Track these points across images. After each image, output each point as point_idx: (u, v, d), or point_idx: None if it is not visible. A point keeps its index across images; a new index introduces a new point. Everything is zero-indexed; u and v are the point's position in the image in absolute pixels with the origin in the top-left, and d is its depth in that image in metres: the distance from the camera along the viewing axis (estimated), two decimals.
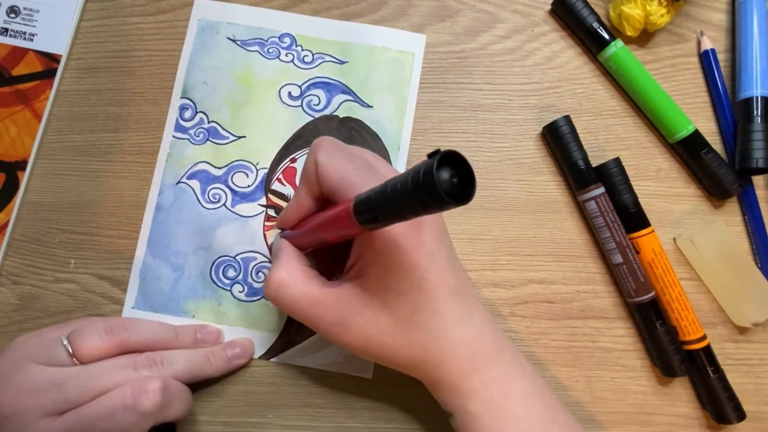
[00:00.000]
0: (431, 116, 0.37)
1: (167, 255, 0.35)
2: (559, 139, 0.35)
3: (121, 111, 0.37)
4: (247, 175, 0.36)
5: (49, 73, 0.36)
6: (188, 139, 0.36)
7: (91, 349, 0.28)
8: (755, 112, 0.34)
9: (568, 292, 0.35)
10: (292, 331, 0.34)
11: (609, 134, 0.37)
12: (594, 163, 0.35)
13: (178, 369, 0.30)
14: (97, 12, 0.38)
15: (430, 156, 0.18)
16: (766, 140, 0.34)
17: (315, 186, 0.27)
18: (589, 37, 0.36)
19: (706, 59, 0.37)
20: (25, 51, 0.36)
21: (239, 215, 0.35)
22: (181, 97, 0.36)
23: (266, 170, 0.36)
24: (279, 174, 0.36)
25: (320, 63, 0.37)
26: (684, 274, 0.36)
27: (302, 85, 0.36)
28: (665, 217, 0.36)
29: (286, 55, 0.37)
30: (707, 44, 0.37)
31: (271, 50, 0.37)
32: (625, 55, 0.36)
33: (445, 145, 0.36)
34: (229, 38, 0.37)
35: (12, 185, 0.35)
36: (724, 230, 0.35)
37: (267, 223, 0.35)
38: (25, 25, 0.36)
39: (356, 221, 0.21)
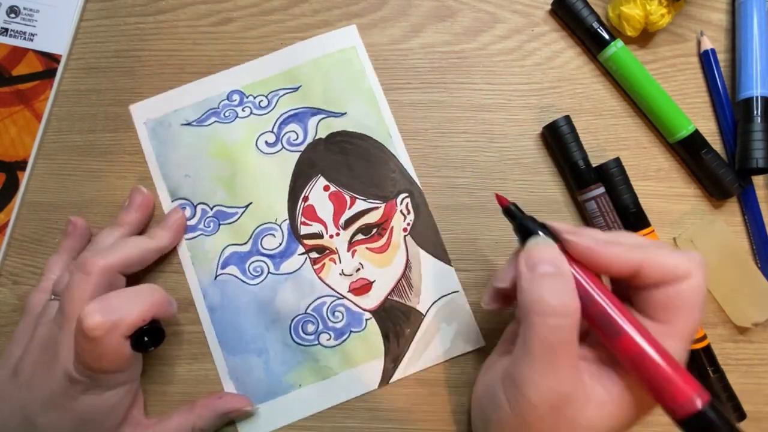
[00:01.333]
0: (431, 116, 0.37)
1: (245, 346, 0.34)
2: (559, 139, 0.35)
3: (121, 111, 0.37)
4: (273, 235, 0.35)
5: (49, 73, 0.36)
6: (201, 234, 0.35)
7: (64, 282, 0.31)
8: (755, 112, 0.34)
9: None
10: (393, 346, 0.34)
11: (609, 134, 0.37)
12: (594, 163, 0.35)
13: (123, 250, 0.31)
14: (97, 12, 0.38)
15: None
16: (766, 140, 0.34)
17: (656, 281, 0.24)
18: (589, 37, 0.36)
19: (706, 59, 0.37)
20: (25, 51, 0.36)
21: (287, 273, 0.34)
22: (174, 200, 0.35)
23: (287, 221, 0.35)
24: (301, 218, 0.35)
25: (277, 100, 0.36)
26: None
27: (273, 128, 0.36)
28: (665, 217, 0.36)
29: (243, 110, 0.36)
30: (707, 44, 0.37)
31: (227, 114, 0.36)
32: (625, 55, 0.36)
33: (444, 145, 0.36)
34: (183, 124, 0.36)
35: (12, 185, 0.35)
36: (724, 230, 0.35)
37: (316, 267, 0.35)
38: (25, 25, 0.36)
39: (680, 421, 0.21)
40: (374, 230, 0.35)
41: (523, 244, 0.26)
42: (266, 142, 0.36)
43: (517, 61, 0.37)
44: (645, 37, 0.37)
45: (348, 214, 0.35)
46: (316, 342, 0.34)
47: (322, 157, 0.36)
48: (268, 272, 0.35)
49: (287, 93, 0.36)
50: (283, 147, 0.36)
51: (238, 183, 0.35)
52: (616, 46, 0.35)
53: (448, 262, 0.35)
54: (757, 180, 0.36)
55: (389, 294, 0.34)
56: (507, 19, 0.38)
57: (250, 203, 0.35)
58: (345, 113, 0.36)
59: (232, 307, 0.34)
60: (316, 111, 0.36)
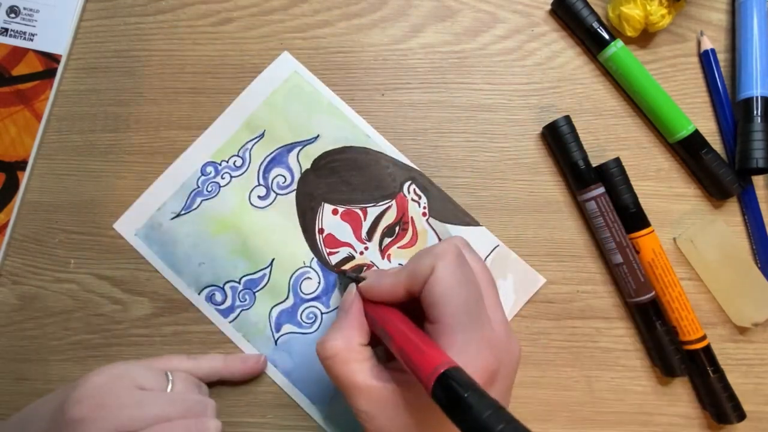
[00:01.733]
0: (431, 116, 0.37)
1: (333, 390, 0.34)
2: (559, 139, 0.35)
3: (121, 111, 0.37)
4: (310, 278, 0.35)
5: (49, 73, 0.36)
6: (241, 310, 0.35)
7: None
8: (755, 112, 0.34)
9: (568, 292, 0.35)
10: None
11: (609, 134, 0.37)
12: (594, 163, 0.35)
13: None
14: (97, 12, 0.38)
15: None
16: (766, 140, 0.34)
17: (418, 287, 0.26)
18: (589, 37, 0.36)
19: (706, 59, 0.37)
20: (25, 51, 0.36)
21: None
22: (199, 292, 0.35)
23: (315, 259, 0.35)
24: (325, 250, 0.35)
25: (249, 153, 0.36)
26: (684, 274, 0.36)
27: (259, 181, 0.36)
28: (665, 217, 0.36)
29: (222, 177, 0.36)
30: (707, 44, 0.37)
31: (210, 188, 0.36)
32: (625, 55, 0.36)
33: (444, 145, 0.36)
34: (173, 218, 0.35)
35: (12, 185, 0.35)
36: (724, 230, 0.35)
37: (360, 277, 0.34)
38: (25, 25, 0.36)
39: (429, 388, 0.21)
40: (397, 228, 0.35)
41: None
42: (258, 196, 0.36)
43: (517, 61, 0.37)
44: (645, 37, 0.37)
45: (366, 225, 0.35)
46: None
47: (317, 186, 0.36)
48: (321, 314, 0.35)
49: (255, 142, 0.36)
50: (276, 193, 0.36)
51: (251, 247, 0.35)
52: (616, 46, 0.35)
53: (476, 223, 0.35)
54: (757, 180, 0.36)
55: None
56: (507, 19, 0.38)
57: (273, 259, 0.35)
58: (318, 136, 0.36)
59: (304, 366, 0.34)
60: (290, 146, 0.36)
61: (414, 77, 0.37)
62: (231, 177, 0.36)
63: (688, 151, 0.35)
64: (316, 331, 0.34)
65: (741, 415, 0.33)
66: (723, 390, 0.33)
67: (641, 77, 0.35)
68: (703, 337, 0.34)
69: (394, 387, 0.25)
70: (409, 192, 0.36)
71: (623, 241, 0.34)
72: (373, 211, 0.35)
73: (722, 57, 0.37)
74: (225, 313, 0.35)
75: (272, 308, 0.35)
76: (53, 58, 0.36)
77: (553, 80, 0.37)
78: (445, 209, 0.35)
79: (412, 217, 0.35)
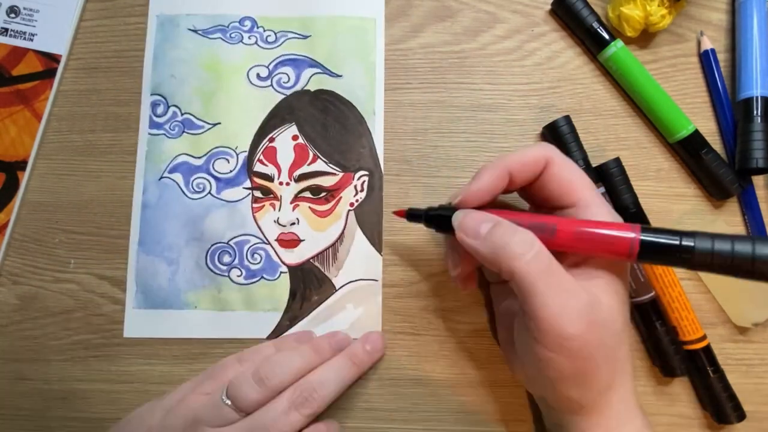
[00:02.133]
0: (431, 116, 0.37)
1: (160, 250, 0.35)
2: (559, 139, 0.35)
3: (121, 111, 0.37)
4: (227, 160, 0.36)
5: (49, 73, 0.36)
6: (164, 134, 0.36)
7: (252, 403, 0.29)
8: (755, 112, 0.34)
9: None
10: (296, 306, 0.35)
11: (609, 134, 0.37)
12: (594, 163, 0.35)
13: (331, 389, 0.30)
14: (97, 12, 0.38)
15: None
16: (766, 140, 0.34)
17: (527, 177, 0.28)
18: (589, 37, 0.36)
19: (706, 59, 0.37)
20: (25, 51, 0.36)
21: (226, 201, 0.35)
22: (152, 94, 0.36)
23: (246, 153, 0.36)
24: (259, 155, 0.36)
25: (284, 41, 0.37)
26: (684, 274, 0.36)
27: (269, 65, 0.37)
28: (665, 217, 0.36)
29: (249, 37, 0.37)
30: (707, 44, 0.37)
31: (233, 35, 0.37)
32: (625, 55, 0.36)
33: (444, 145, 0.36)
34: (190, 29, 0.37)
35: (12, 185, 0.35)
36: (724, 230, 0.35)
37: (255, 205, 0.35)
38: (25, 25, 0.36)
39: (635, 249, 0.23)
40: (323, 193, 0.35)
41: (441, 230, 0.29)
42: (258, 74, 0.36)
43: (517, 61, 0.37)
44: (645, 37, 0.37)
45: (305, 169, 0.36)
46: (226, 274, 0.35)
47: (303, 108, 0.36)
48: (209, 192, 0.35)
49: (295, 38, 0.37)
50: (272, 85, 0.36)
51: (215, 101, 0.36)
52: (616, 46, 0.35)
53: (379, 249, 0.35)
54: (757, 180, 0.36)
55: (313, 257, 0.35)
56: (507, 19, 0.38)
57: (219, 123, 0.36)
58: (341, 76, 0.37)
59: (163, 210, 0.35)
60: (315, 64, 0.37)
61: (414, 77, 0.37)
62: (256, 42, 0.37)
63: (688, 151, 0.35)
64: (193, 200, 0.35)
65: (741, 415, 0.33)
66: (723, 390, 0.33)
67: (641, 77, 0.35)
68: (703, 337, 0.34)
69: (586, 292, 0.25)
70: (357, 179, 0.36)
71: None
72: (320, 165, 0.36)
73: (722, 57, 0.37)
74: (153, 125, 0.36)
75: (182, 154, 0.36)
76: (53, 58, 0.36)
77: (553, 80, 0.37)
78: (370, 217, 0.35)
79: (341, 197, 0.35)
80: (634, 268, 0.34)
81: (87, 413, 0.34)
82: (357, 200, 0.36)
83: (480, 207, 0.28)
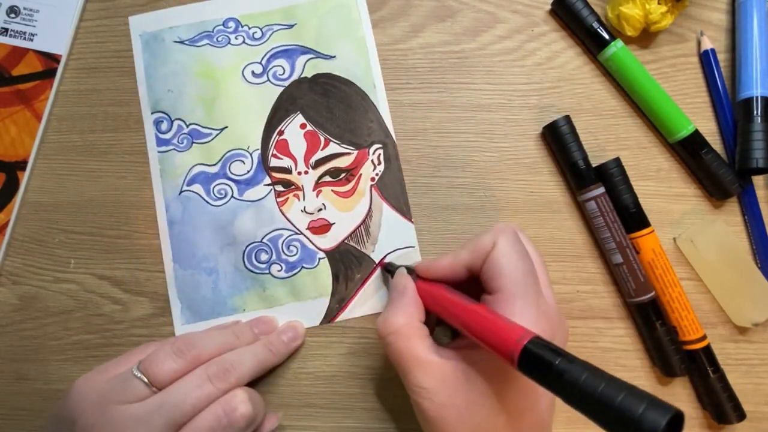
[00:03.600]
0: (431, 116, 0.37)
1: (197, 263, 0.35)
2: (559, 139, 0.35)
3: (121, 111, 0.37)
4: (243, 162, 0.36)
5: (49, 73, 0.36)
6: (174, 149, 0.36)
7: (169, 374, 0.28)
8: (755, 112, 0.34)
9: (568, 292, 0.35)
10: (341, 288, 0.35)
11: (609, 134, 0.37)
12: (594, 163, 0.35)
13: (248, 368, 0.30)
14: (97, 12, 0.38)
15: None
16: (766, 140, 0.34)
17: (479, 263, 0.27)
18: (589, 37, 0.36)
19: (706, 59, 0.37)
20: (25, 51, 0.36)
21: (250, 201, 0.35)
22: (153, 112, 0.36)
23: (259, 151, 0.36)
24: (272, 150, 0.36)
25: (271, 34, 0.37)
26: (684, 274, 0.36)
27: (262, 60, 0.37)
28: (665, 217, 0.36)
29: (236, 38, 0.37)
30: (707, 44, 0.37)
31: (220, 39, 0.37)
32: (625, 55, 0.36)
33: (444, 145, 0.36)
34: (176, 41, 0.37)
35: (12, 185, 0.35)
36: (724, 230, 0.35)
37: (279, 199, 0.35)
38: (25, 25, 0.36)
39: (515, 360, 0.21)
40: (342, 174, 0.36)
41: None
42: (253, 72, 0.36)
43: (517, 61, 0.37)
44: (645, 37, 0.37)
45: (320, 154, 0.36)
46: (267, 271, 0.35)
47: (304, 96, 0.36)
48: (232, 196, 0.35)
49: (282, 29, 0.37)
50: (269, 80, 0.36)
51: (217, 106, 0.36)
52: (616, 46, 0.35)
53: (409, 218, 0.36)
54: (757, 180, 0.36)
55: (346, 238, 0.35)
56: (507, 19, 0.38)
57: (226, 127, 0.36)
58: (334, 57, 0.37)
59: (191, 223, 0.35)
60: (306, 50, 0.37)
61: (414, 77, 0.37)
62: (243, 41, 0.37)
63: (688, 151, 0.35)
64: (218, 207, 0.35)
65: (741, 415, 0.33)
66: (723, 390, 0.33)
67: (641, 77, 0.35)
68: (703, 337, 0.34)
69: (455, 362, 0.26)
70: (373, 154, 0.36)
71: (623, 241, 0.34)
72: (333, 147, 0.36)
73: (722, 57, 0.37)
74: (161, 143, 0.36)
75: (197, 164, 0.36)
76: (53, 58, 0.36)
77: (553, 80, 0.37)
78: (392, 188, 0.36)
79: (361, 175, 0.36)
80: (634, 268, 0.34)
81: None
82: (377, 174, 0.36)
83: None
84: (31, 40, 0.36)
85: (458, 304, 0.27)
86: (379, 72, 0.37)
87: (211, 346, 0.30)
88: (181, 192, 0.36)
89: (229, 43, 0.37)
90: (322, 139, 0.36)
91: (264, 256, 0.35)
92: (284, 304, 0.35)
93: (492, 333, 0.23)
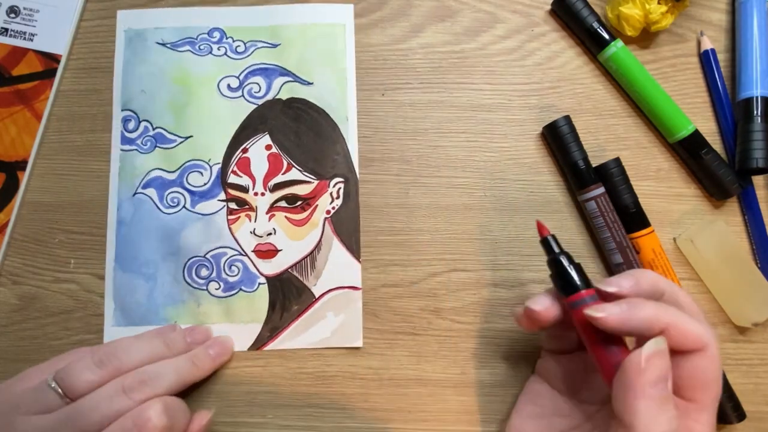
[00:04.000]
0: (431, 116, 0.37)
1: (137, 267, 0.35)
2: (559, 139, 0.35)
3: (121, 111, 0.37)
4: (201, 173, 0.35)
5: (49, 73, 0.36)
6: (136, 150, 0.36)
7: (85, 385, 0.27)
8: (755, 112, 0.34)
9: None
10: (276, 317, 0.34)
11: (609, 134, 0.37)
12: (594, 163, 0.35)
13: (167, 382, 0.29)
14: (97, 12, 0.38)
15: None
16: (766, 140, 0.34)
17: (681, 344, 0.24)
18: (589, 37, 0.36)
19: (706, 59, 0.37)
20: (25, 51, 0.36)
21: (201, 214, 0.35)
22: (122, 110, 0.36)
23: (219, 165, 0.36)
24: (233, 167, 0.36)
25: (253, 50, 0.37)
26: (684, 274, 0.36)
27: (240, 75, 0.36)
28: (665, 217, 0.36)
29: (218, 48, 0.37)
30: (707, 44, 0.37)
31: (202, 47, 0.37)
32: (625, 55, 0.36)
33: (444, 146, 0.36)
34: (158, 43, 0.37)
35: (12, 185, 0.35)
36: (724, 230, 0.35)
37: (230, 217, 0.35)
38: (25, 25, 0.36)
39: None
40: (299, 202, 0.35)
41: (557, 283, 0.27)
42: (229, 85, 0.36)
43: (517, 61, 0.37)
44: (645, 37, 0.37)
45: (280, 178, 0.35)
46: (205, 288, 0.34)
47: (276, 117, 0.36)
48: (184, 206, 0.35)
49: (265, 47, 0.37)
50: (243, 95, 0.36)
51: (187, 114, 0.36)
52: (616, 46, 0.35)
53: (357, 257, 0.35)
54: (757, 180, 0.36)
55: (291, 267, 0.35)
56: (507, 19, 0.38)
57: (191, 136, 0.36)
58: (312, 83, 0.36)
59: (138, 226, 0.35)
60: (285, 72, 0.36)
61: (414, 77, 0.37)
62: (225, 53, 0.37)
63: (688, 151, 0.35)
64: (168, 215, 0.35)
65: (741, 415, 0.33)
66: (723, 390, 0.33)
67: (641, 77, 0.35)
68: None
69: None
70: (333, 186, 0.36)
71: (623, 241, 0.34)
72: (294, 173, 0.35)
73: (722, 57, 0.37)
74: (124, 141, 0.36)
75: (156, 169, 0.35)
76: (53, 58, 0.36)
77: (553, 80, 0.37)
78: (347, 224, 0.35)
79: (317, 205, 0.35)
80: (633, 268, 0.34)
81: None
82: (333, 207, 0.35)
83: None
84: (31, 40, 0.36)
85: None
86: (354, 106, 0.36)
87: (135, 358, 0.29)
88: (135, 194, 0.35)
89: (210, 52, 0.36)
90: (285, 163, 0.35)
91: (204, 272, 0.35)
92: (216, 323, 0.34)
93: None
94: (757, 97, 0.35)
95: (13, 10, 0.36)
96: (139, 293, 0.34)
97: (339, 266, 0.35)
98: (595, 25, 0.36)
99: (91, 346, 0.32)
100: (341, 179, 0.36)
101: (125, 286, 0.34)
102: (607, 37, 0.36)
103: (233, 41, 0.37)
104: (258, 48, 0.37)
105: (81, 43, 0.37)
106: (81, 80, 0.37)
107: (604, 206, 0.34)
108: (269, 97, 0.36)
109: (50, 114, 0.36)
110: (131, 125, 0.36)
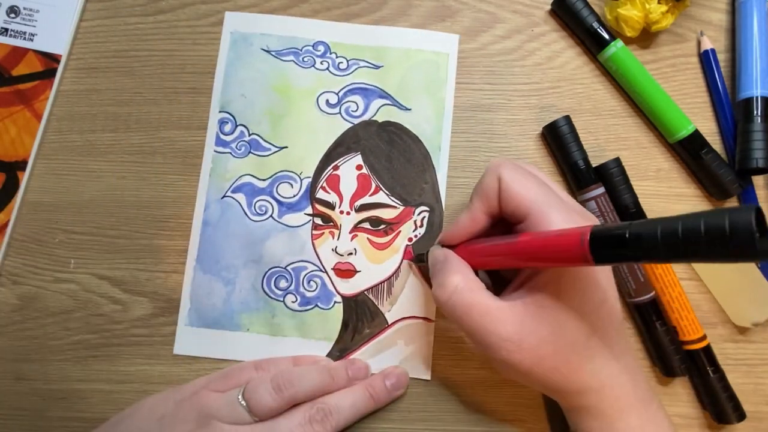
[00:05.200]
0: None
1: (218, 270, 0.35)
2: (559, 139, 0.35)
3: (121, 111, 0.37)
4: (291, 185, 0.35)
5: (49, 73, 0.36)
6: (230, 153, 0.36)
7: (266, 409, 0.29)
8: (755, 112, 0.34)
9: None
10: (347, 337, 0.34)
11: (609, 134, 0.37)
12: (594, 163, 0.35)
13: (346, 415, 0.31)
14: (97, 12, 0.38)
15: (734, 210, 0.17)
16: (766, 140, 0.34)
17: (495, 204, 0.27)
18: (589, 37, 0.36)
19: (706, 59, 0.37)
20: (25, 51, 0.36)
21: (287, 225, 0.35)
22: (220, 111, 0.36)
23: (310, 179, 0.36)
24: (323, 182, 0.35)
25: (356, 69, 0.37)
26: (684, 274, 0.36)
27: (339, 92, 0.36)
28: None
29: (321, 63, 0.37)
30: (707, 44, 0.37)
31: (306, 59, 0.37)
32: (625, 55, 0.36)
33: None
34: (263, 49, 0.37)
35: (12, 185, 0.35)
36: None
37: (315, 232, 0.35)
38: (25, 25, 0.36)
39: (589, 256, 0.21)
40: (382, 226, 0.35)
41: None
42: (327, 101, 0.36)
43: (517, 61, 0.37)
44: (645, 37, 0.37)
45: (366, 200, 0.35)
46: (282, 299, 0.34)
47: (370, 138, 0.36)
48: (271, 216, 0.35)
49: (367, 67, 0.37)
50: (340, 113, 0.36)
51: (283, 124, 0.36)
52: (616, 46, 0.35)
53: (429, 285, 0.34)
54: (757, 180, 0.36)
55: (367, 289, 0.35)
56: (507, 19, 0.38)
57: (286, 147, 0.36)
58: (410, 109, 0.36)
59: (224, 230, 0.35)
60: (384, 95, 0.36)
61: None
62: (327, 68, 0.37)
63: (688, 151, 0.35)
64: (254, 222, 0.35)
65: (741, 415, 0.33)
66: (723, 390, 0.33)
67: (641, 77, 0.35)
68: (703, 337, 0.34)
69: (522, 299, 0.26)
70: (417, 215, 0.35)
71: None
72: (381, 197, 0.35)
73: (722, 57, 0.37)
74: (219, 142, 0.36)
75: (247, 174, 0.36)
76: (53, 58, 0.36)
77: (553, 80, 0.37)
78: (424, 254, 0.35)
79: (400, 231, 0.35)
80: (634, 269, 0.34)
81: (86, 413, 0.34)
82: (416, 236, 0.35)
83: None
84: (31, 40, 0.36)
85: (503, 245, 0.26)
86: (448, 137, 0.36)
87: (308, 387, 0.30)
88: (224, 196, 0.35)
89: (313, 65, 0.37)
90: (374, 185, 0.35)
91: (283, 284, 0.35)
92: (288, 337, 0.34)
93: (553, 248, 0.23)
94: (757, 97, 0.35)
95: (13, 10, 0.36)
96: (216, 296, 0.34)
97: (415, 295, 0.35)
98: (595, 25, 0.36)
99: (256, 360, 0.33)
100: (427, 208, 0.35)
101: (203, 287, 0.35)
102: (607, 37, 0.36)
103: (336, 57, 0.37)
104: (360, 67, 0.37)
105: (81, 43, 0.37)
106: (81, 80, 0.37)
107: (604, 206, 0.34)
108: (366, 117, 0.36)
109: (50, 114, 0.36)
110: (227, 128, 0.36)
